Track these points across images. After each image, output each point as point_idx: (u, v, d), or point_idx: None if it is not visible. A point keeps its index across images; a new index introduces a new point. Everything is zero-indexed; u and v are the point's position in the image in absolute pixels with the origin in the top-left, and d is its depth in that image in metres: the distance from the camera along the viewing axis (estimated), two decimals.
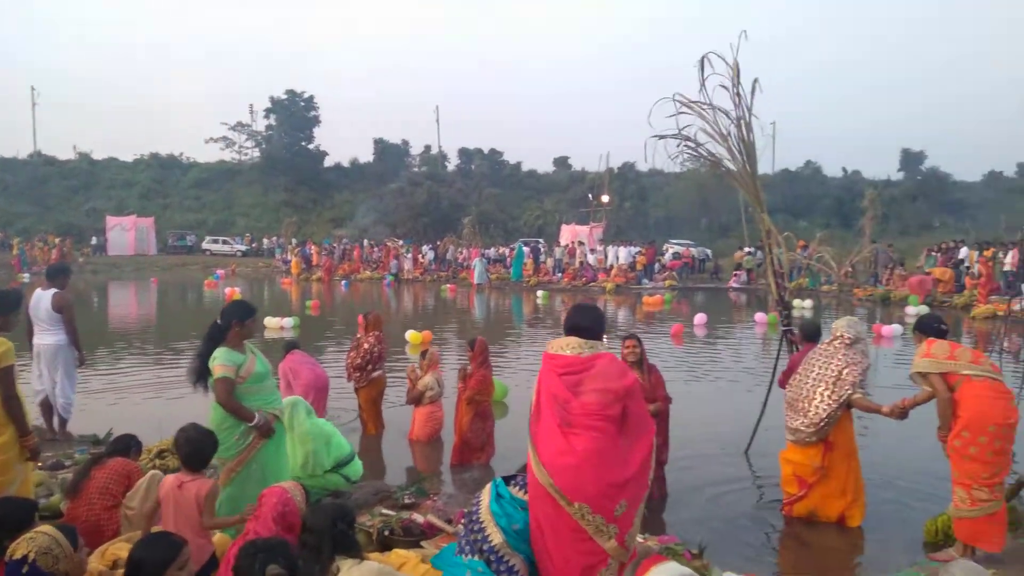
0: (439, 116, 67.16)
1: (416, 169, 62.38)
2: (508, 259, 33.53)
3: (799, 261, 22.32)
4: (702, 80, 6.36)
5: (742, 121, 6.51)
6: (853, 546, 5.07)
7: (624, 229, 44.57)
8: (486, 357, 6.84)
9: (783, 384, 5.75)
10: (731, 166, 6.70)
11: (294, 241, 42.98)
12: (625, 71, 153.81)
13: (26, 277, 31.29)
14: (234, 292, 23.74)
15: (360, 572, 3.05)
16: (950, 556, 4.32)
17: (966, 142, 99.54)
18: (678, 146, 6.60)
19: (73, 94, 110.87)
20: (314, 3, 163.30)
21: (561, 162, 63.77)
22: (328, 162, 63.44)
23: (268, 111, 60.98)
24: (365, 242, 40.67)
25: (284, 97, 59.87)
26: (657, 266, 30.81)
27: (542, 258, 33.57)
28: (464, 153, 63.00)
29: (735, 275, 28.85)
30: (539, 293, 25.76)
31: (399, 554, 3.98)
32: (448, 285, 29.99)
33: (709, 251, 37.20)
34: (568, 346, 3.51)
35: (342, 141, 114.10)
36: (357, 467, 5.54)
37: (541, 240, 39.73)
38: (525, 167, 62.30)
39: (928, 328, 4.70)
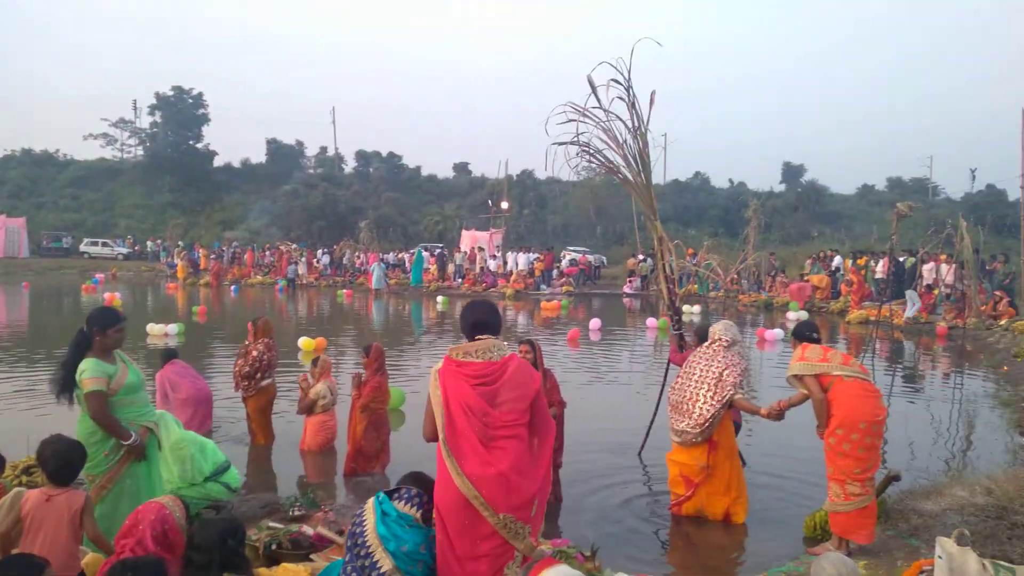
0: (335, 118, 65.92)
1: (311, 171, 60.92)
2: (408, 264, 33.22)
3: (688, 268, 23.16)
4: (594, 88, 6.44)
5: (638, 131, 6.65)
6: (739, 543, 5.26)
7: (523, 235, 45.00)
8: (382, 363, 6.71)
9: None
10: (627, 174, 6.83)
11: (180, 244, 41.05)
12: (523, 79, 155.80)
13: None
14: (114, 297, 22.51)
15: None
16: (827, 550, 4.54)
17: (841, 157, 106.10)
18: (577, 153, 6.68)
19: None
20: None
21: (461, 168, 63.77)
22: (218, 162, 61.18)
23: (153, 108, 58.01)
24: (253, 245, 39.36)
25: (171, 93, 57.12)
26: (555, 272, 31.26)
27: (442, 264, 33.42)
28: (362, 156, 62.05)
29: (629, 281, 29.63)
30: (439, 299, 25.65)
31: (287, 568, 3.84)
32: (345, 290, 29.42)
33: (604, 258, 38.08)
34: (477, 351, 3.40)
35: (233, 141, 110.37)
36: (235, 475, 5.33)
37: (441, 245, 39.65)
38: (425, 171, 62.04)
39: (802, 335, 4.97)
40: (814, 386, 4.64)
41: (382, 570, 3.18)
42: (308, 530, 4.43)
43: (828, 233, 44.91)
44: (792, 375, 4.79)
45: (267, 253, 37.41)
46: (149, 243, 46.59)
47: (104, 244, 46.64)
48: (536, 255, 31.82)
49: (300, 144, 63.91)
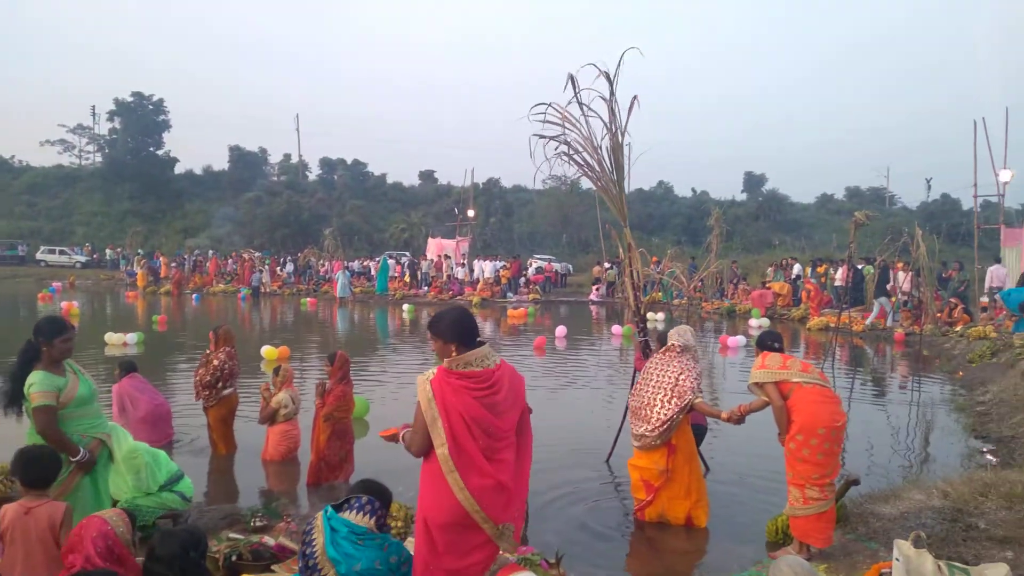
0: (299, 125, 65.23)
1: (275, 178, 60.29)
2: (373, 272, 33.01)
3: (652, 276, 23.36)
4: (575, 86, 6.44)
5: (615, 134, 6.65)
6: (702, 548, 5.30)
7: (490, 243, 45.05)
8: (346, 372, 6.65)
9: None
10: (600, 177, 6.81)
11: (140, 252, 40.25)
12: (490, 88, 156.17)
13: None
14: (71, 306, 22.03)
15: None
16: (787, 553, 4.59)
17: (801, 167, 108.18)
18: (556, 149, 6.65)
19: None
20: (165, 2, 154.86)
21: (427, 175, 63.58)
22: (179, 169, 60.01)
23: (112, 114, 56.81)
24: (210, 252, 38.75)
25: (130, 99, 55.97)
26: (522, 280, 31.31)
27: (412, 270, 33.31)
28: (326, 163, 61.53)
29: (595, 288, 29.80)
30: (405, 307, 25.52)
31: None
32: (309, 299, 29.11)
33: (571, 266, 38.25)
34: (476, 359, 3.24)
35: (194, 147, 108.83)
36: (189, 484, 5.26)
37: (408, 253, 39.51)
38: (391, 179, 61.71)
39: (764, 344, 5.07)
40: (774, 393, 4.72)
41: None
42: (269, 541, 4.37)
43: (789, 241, 45.65)
44: (753, 382, 4.87)
45: (230, 261, 36.91)
46: (108, 251, 45.68)
47: (61, 252, 45.60)
48: (503, 263, 31.87)
49: (263, 151, 63.22)
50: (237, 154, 60.38)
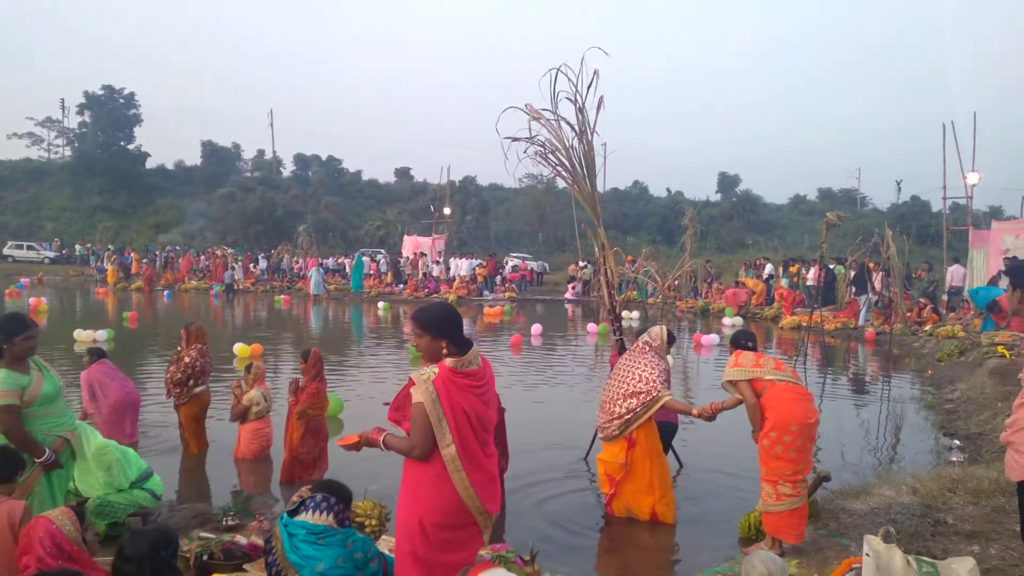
0: (273, 120, 64.54)
1: (248, 174, 59.55)
2: (348, 269, 32.79)
3: (627, 275, 23.44)
4: (552, 88, 6.45)
5: (583, 135, 6.68)
6: (674, 544, 5.34)
7: (466, 241, 44.95)
8: (320, 370, 6.60)
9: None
10: (571, 177, 6.83)
11: (111, 248, 39.60)
12: (466, 86, 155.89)
13: None
14: (39, 303, 21.64)
15: None
16: (760, 549, 4.63)
17: (775, 168, 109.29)
18: (526, 149, 6.66)
19: None
20: None
21: (403, 173, 63.19)
22: (151, 164, 59.13)
23: (82, 107, 55.73)
24: (181, 248, 38.25)
25: (101, 92, 55.02)
26: (498, 278, 31.29)
27: (384, 268, 33.14)
28: (300, 159, 60.98)
29: (571, 287, 29.87)
30: (380, 304, 25.40)
31: None
32: (282, 296, 28.86)
33: (547, 264, 38.28)
34: (474, 358, 3.23)
35: (167, 142, 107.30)
36: (159, 482, 5.20)
37: (383, 251, 39.29)
38: (366, 176, 61.26)
39: (737, 343, 5.11)
40: (747, 391, 4.76)
41: None
42: (242, 540, 4.32)
43: (762, 241, 46.08)
44: (727, 380, 4.91)
45: (202, 258, 36.47)
46: (78, 247, 44.90)
47: (30, 247, 44.83)
48: (479, 261, 31.83)
49: (237, 147, 62.52)
50: (210, 149, 59.68)
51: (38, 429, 3.91)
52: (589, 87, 6.41)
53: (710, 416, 5.20)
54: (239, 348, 13.34)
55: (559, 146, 6.62)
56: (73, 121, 59.10)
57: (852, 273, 19.74)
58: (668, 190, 62.20)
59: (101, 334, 14.87)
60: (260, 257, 36.53)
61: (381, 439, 3.25)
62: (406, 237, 38.24)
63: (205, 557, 4.13)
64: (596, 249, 7.27)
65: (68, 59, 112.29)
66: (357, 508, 4.89)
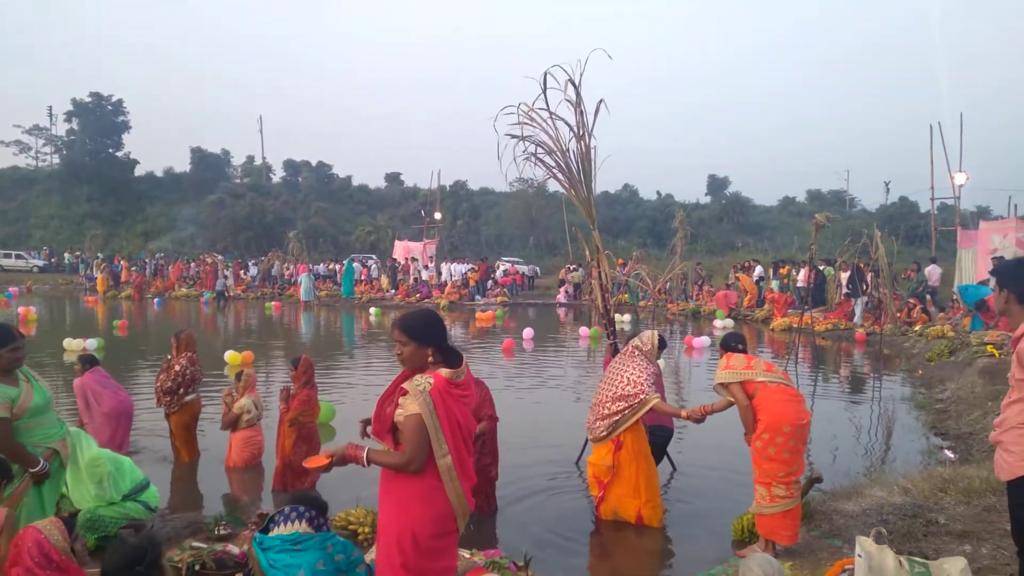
0: (263, 126, 64.30)
1: (238, 180, 59.32)
2: (339, 275, 32.72)
3: (618, 278, 23.48)
4: (544, 88, 6.44)
5: (582, 138, 6.66)
6: (667, 547, 5.34)
7: (457, 246, 44.91)
8: (311, 376, 6.58)
9: None
10: (568, 179, 6.81)
11: (100, 256, 39.38)
12: (456, 90, 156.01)
13: None
14: (28, 312, 21.51)
15: None
16: (754, 551, 4.63)
17: (764, 171, 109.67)
18: (524, 150, 6.64)
19: None
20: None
21: (393, 178, 63.09)
22: (140, 171, 58.77)
23: (70, 114, 55.42)
24: (170, 256, 38.06)
25: (88, 100, 54.74)
26: (490, 283, 31.28)
27: (375, 274, 33.07)
28: (290, 165, 60.68)
29: (562, 290, 29.90)
30: (372, 310, 25.34)
31: None
32: (273, 303, 28.77)
33: (538, 268, 38.30)
34: (463, 369, 3.21)
35: (156, 149, 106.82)
36: (155, 493, 5.16)
37: (374, 256, 39.23)
38: (356, 181, 61.10)
39: (728, 345, 5.13)
40: (739, 393, 4.77)
41: None
42: (234, 549, 4.30)
43: (751, 243, 46.18)
44: (718, 383, 4.91)
45: (192, 265, 36.31)
46: (67, 255, 44.62)
47: (18, 256, 44.43)
48: (470, 265, 31.81)
49: (226, 153, 62.10)
50: (199, 156, 59.35)
51: (28, 441, 3.87)
52: (577, 94, 6.43)
53: (699, 418, 5.20)
54: (230, 356, 13.29)
55: (556, 148, 6.62)
56: (61, 128, 58.87)
57: (846, 275, 19.83)
58: (658, 193, 62.32)
59: (91, 343, 14.78)
60: (250, 264, 36.38)
61: (363, 455, 3.09)
62: (397, 242, 38.22)
63: (197, 567, 4.11)
64: (588, 252, 7.27)
65: (55, 66, 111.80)
66: (350, 516, 4.88)
